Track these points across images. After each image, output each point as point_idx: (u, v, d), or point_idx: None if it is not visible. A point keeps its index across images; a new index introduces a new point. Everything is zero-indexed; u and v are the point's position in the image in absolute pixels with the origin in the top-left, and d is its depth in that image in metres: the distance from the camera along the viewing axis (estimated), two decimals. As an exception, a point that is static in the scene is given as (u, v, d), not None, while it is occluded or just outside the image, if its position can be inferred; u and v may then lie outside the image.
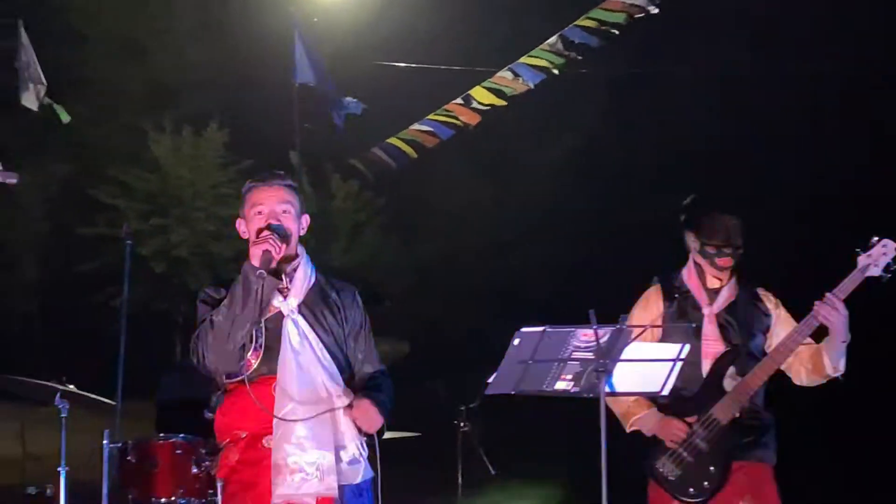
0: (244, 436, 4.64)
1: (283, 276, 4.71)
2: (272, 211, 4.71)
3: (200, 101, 25.16)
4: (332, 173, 23.44)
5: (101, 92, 25.17)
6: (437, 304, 22.28)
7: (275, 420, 4.56)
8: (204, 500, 6.09)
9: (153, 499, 6.10)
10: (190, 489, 6.11)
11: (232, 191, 24.79)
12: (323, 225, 22.75)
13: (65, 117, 15.43)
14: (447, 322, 22.03)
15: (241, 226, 4.84)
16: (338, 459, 4.60)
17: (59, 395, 6.25)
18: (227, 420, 4.71)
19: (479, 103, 12.68)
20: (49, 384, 6.32)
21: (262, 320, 4.61)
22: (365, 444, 4.73)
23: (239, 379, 4.65)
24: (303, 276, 4.79)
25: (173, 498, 6.07)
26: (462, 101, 12.79)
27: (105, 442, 6.07)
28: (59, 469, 6.23)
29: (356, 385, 4.81)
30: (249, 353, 4.62)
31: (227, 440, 4.70)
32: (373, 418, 4.69)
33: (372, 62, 19.97)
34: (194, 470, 6.11)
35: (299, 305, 4.73)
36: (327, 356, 4.70)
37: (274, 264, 4.57)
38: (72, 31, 25.19)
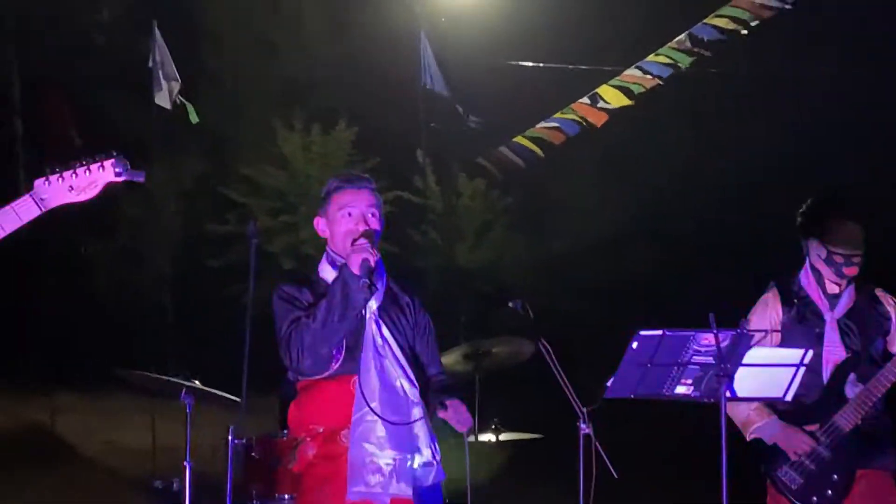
0: (321, 430, 4.73)
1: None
2: (362, 214, 4.77)
3: (329, 100, 25.36)
4: (459, 172, 23.46)
5: (232, 90, 25.53)
6: (564, 302, 22.13)
7: (354, 418, 4.63)
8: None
9: (276, 495, 6.13)
10: (313, 485, 6.15)
11: (361, 188, 24.98)
12: (449, 224, 22.82)
13: (194, 117, 15.72)
14: (574, 322, 21.88)
15: (320, 224, 4.94)
16: (413, 461, 4.66)
17: (184, 390, 6.34)
18: (303, 415, 4.81)
19: (606, 102, 12.61)
20: (175, 380, 6.41)
21: None
22: (437, 447, 4.77)
23: (319, 377, 4.76)
24: (382, 280, 4.89)
25: (295, 494, 6.12)
26: (589, 101, 12.73)
27: (230, 438, 6.13)
28: (184, 464, 6.30)
29: (425, 385, 4.86)
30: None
31: (303, 435, 4.79)
32: (466, 417, 4.77)
33: (499, 61, 19.96)
34: (317, 466, 6.15)
35: (378, 308, 4.81)
36: (403, 358, 4.76)
37: (372, 272, 4.64)
38: (204, 31, 25.59)
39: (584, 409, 6.38)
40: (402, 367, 4.72)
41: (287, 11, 26.05)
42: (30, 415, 17.73)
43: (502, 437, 7.63)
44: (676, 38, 12.28)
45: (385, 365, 4.68)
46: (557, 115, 13.12)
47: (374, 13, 23.63)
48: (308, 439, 4.79)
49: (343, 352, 4.71)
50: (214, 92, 24.29)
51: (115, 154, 3.23)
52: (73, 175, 3.17)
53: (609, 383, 4.62)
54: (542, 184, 23.38)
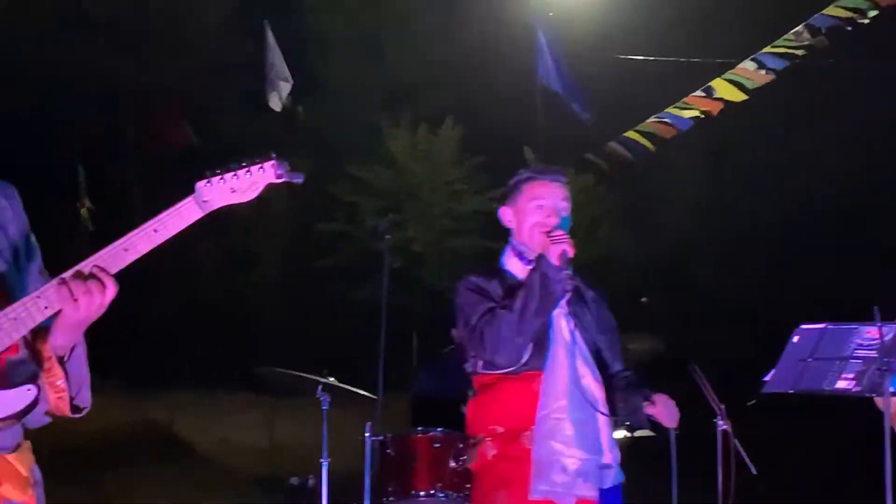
0: (501, 431, 4.63)
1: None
2: (555, 206, 4.68)
3: (436, 99, 25.44)
4: (567, 168, 23.36)
5: (340, 91, 25.70)
6: (681, 299, 22.00)
7: (540, 415, 4.52)
8: (461, 495, 6.09)
9: (412, 492, 6.11)
10: (447, 483, 6.09)
11: (466, 187, 25.00)
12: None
13: (300, 117, 15.85)
14: (690, 320, 21.69)
15: (506, 214, 4.84)
16: (598, 462, 4.55)
17: (320, 387, 6.35)
18: (483, 414, 4.70)
19: (720, 95, 12.43)
20: (312, 377, 6.43)
21: None
22: (618, 448, 4.67)
23: (502, 372, 4.63)
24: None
25: (431, 491, 6.08)
26: (703, 94, 12.56)
27: (367, 435, 6.14)
28: (320, 461, 6.32)
29: (608, 383, 4.73)
30: None
31: (483, 435, 4.69)
32: (675, 412, 4.66)
33: (608, 55, 19.83)
34: (452, 464, 6.09)
35: (566, 302, 4.66)
36: (590, 357, 4.66)
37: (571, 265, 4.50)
38: (311, 33, 25.80)
39: (722, 406, 6.29)
40: (587, 365, 4.63)
41: (394, 11, 26.16)
42: (149, 412, 18.00)
43: (637, 433, 7.56)
44: (793, 30, 12.04)
45: (573, 362, 4.59)
46: (669, 109, 12.94)
47: (485, 11, 23.63)
48: (488, 439, 4.70)
49: (530, 347, 4.61)
50: (322, 92, 24.47)
51: (274, 156, 3.15)
52: (235, 177, 3.12)
53: (768, 378, 4.53)
54: (651, 180, 23.22)
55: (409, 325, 24.16)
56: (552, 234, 4.57)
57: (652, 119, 13.05)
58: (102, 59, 24.29)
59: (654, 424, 4.75)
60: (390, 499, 6.17)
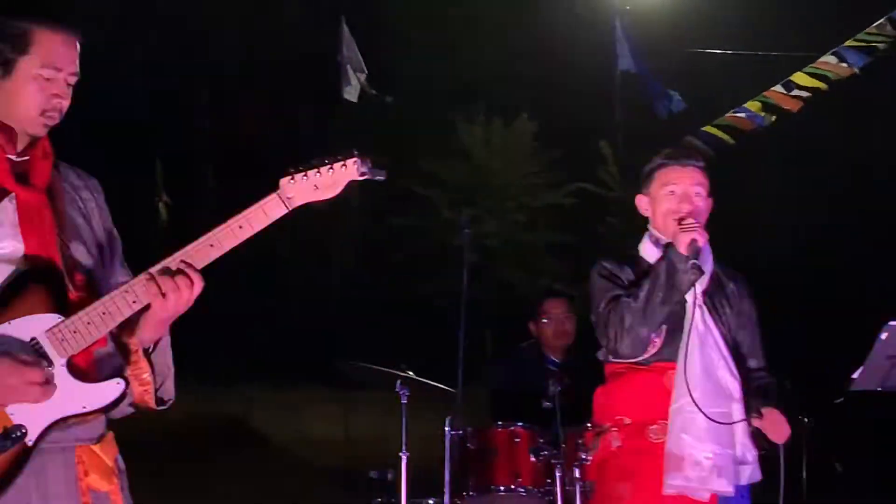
0: (628, 422, 4.54)
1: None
2: (686, 192, 4.59)
3: (511, 93, 25.39)
4: (643, 162, 23.21)
5: (415, 85, 25.71)
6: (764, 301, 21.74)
7: (673, 407, 4.42)
8: (540, 490, 6.08)
9: (491, 486, 6.12)
10: (527, 477, 6.10)
11: (541, 181, 24.94)
12: (634, 215, 22.59)
13: (389, 100, 15.87)
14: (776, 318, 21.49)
15: (642, 202, 4.73)
16: (734, 457, 4.45)
17: (399, 381, 6.35)
18: (611, 403, 4.62)
19: (801, 89, 12.26)
20: (392, 370, 6.43)
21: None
22: (755, 445, 4.53)
23: (631, 362, 4.56)
24: (708, 263, 4.63)
25: (512, 486, 6.09)
26: (782, 88, 12.40)
27: (447, 428, 6.13)
28: (400, 454, 6.31)
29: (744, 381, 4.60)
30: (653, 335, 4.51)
31: (609, 424, 4.61)
32: (784, 430, 4.51)
33: (684, 49, 19.69)
34: (532, 458, 6.09)
35: (703, 293, 4.57)
36: (725, 348, 4.53)
37: (700, 253, 4.41)
38: (385, 28, 25.84)
39: (808, 403, 6.23)
40: (723, 358, 4.50)
41: (468, 5, 26.14)
42: (225, 406, 18.12)
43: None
44: (875, 24, 11.86)
45: (707, 354, 4.47)
46: (748, 104, 12.80)
47: (561, 4, 23.56)
48: (614, 429, 4.61)
49: (663, 337, 4.52)
50: (396, 87, 24.50)
51: (356, 153, 3.19)
52: (318, 174, 3.16)
53: (855, 375, 4.44)
54: (729, 175, 22.99)
55: (482, 319, 24.16)
56: (683, 223, 4.46)
57: (730, 114, 12.92)
58: (178, 55, 24.51)
59: (761, 436, 4.56)
60: (470, 493, 6.17)
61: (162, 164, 20.34)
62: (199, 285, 3.14)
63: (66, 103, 3.25)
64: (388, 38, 25.70)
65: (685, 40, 20.18)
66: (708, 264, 4.61)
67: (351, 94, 15.34)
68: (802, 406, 6.32)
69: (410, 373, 6.46)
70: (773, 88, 12.51)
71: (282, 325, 21.83)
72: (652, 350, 4.52)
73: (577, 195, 24.26)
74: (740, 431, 4.48)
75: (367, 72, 15.11)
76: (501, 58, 26.04)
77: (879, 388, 4.43)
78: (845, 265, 22.64)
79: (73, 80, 3.25)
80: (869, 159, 22.62)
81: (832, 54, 12.04)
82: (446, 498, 6.05)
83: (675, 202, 4.58)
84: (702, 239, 4.40)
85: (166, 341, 3.35)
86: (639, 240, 4.79)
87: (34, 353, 3.07)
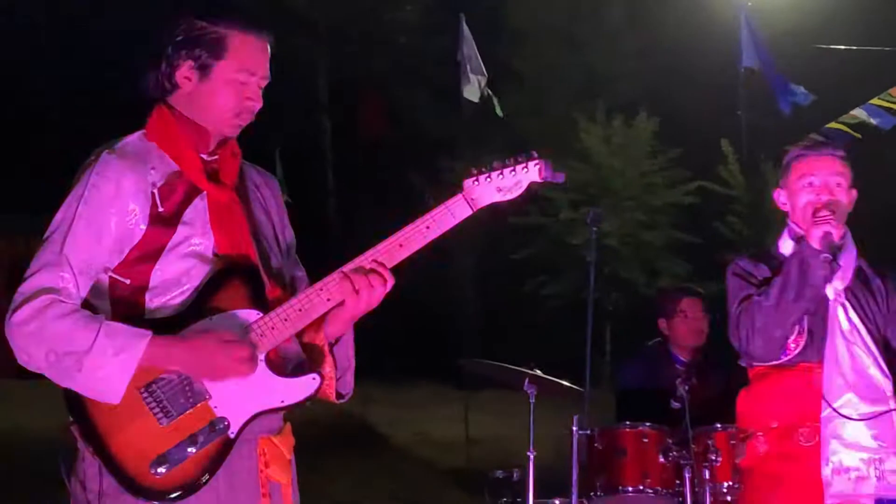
0: (775, 426, 4.37)
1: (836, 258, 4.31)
2: (825, 183, 4.40)
3: (630, 91, 25.25)
4: (765, 160, 22.90)
5: (534, 85, 25.69)
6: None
7: (824, 414, 4.24)
8: (670, 491, 6.00)
9: (619, 487, 6.04)
10: (656, 478, 6.02)
11: (661, 179, 24.74)
12: (756, 215, 22.29)
13: (499, 111, 15.82)
14: None
15: (780, 196, 4.57)
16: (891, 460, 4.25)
17: (527, 380, 6.31)
18: (756, 407, 4.44)
19: (931, 88, 11.96)
20: (520, 368, 6.39)
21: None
22: None
23: (774, 364, 4.38)
24: (849, 257, 4.45)
25: (640, 487, 6.01)
26: (910, 86, 12.10)
27: (574, 428, 6.07)
28: (527, 453, 6.27)
29: None
30: (792, 338, 4.34)
31: (755, 429, 4.44)
32: None
33: (807, 45, 19.38)
34: (661, 459, 6.01)
35: (845, 289, 4.41)
36: (874, 345, 4.33)
37: (835, 247, 4.24)
38: (505, 27, 25.85)
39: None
40: (872, 356, 4.30)
41: (588, 3, 26.04)
42: (344, 404, 18.20)
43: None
44: None
45: (855, 352, 4.29)
46: (873, 101, 12.50)
47: (681, 2, 23.35)
48: (760, 434, 4.44)
49: (804, 336, 4.35)
50: (517, 87, 24.49)
51: (537, 155, 3.27)
52: (500, 176, 3.24)
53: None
54: (855, 173, 22.59)
55: (603, 318, 24.05)
56: (817, 215, 4.29)
57: (854, 112, 12.65)
58: (301, 53, 24.73)
59: None
60: (598, 493, 6.11)
61: (282, 162, 20.45)
62: (390, 283, 3.25)
63: (258, 105, 3.34)
64: (511, 36, 25.70)
65: (808, 36, 19.87)
66: (849, 259, 4.44)
67: (472, 93, 15.29)
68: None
69: (538, 371, 6.42)
70: (897, 87, 12.23)
71: (402, 322, 21.91)
72: (794, 351, 4.35)
73: (697, 193, 24.02)
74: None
75: (486, 74, 15.05)
76: (624, 54, 25.87)
77: None
78: None
79: (264, 82, 3.35)
80: None
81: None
82: (574, 498, 5.99)
83: (813, 194, 4.41)
84: (837, 232, 4.23)
85: (349, 336, 3.46)
86: (763, 238, 4.65)
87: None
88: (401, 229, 3.26)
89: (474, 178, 3.25)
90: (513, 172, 3.23)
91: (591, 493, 6.11)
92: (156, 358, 3.09)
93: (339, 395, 3.46)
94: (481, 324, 24.36)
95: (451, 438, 16.39)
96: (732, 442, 5.42)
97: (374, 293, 3.22)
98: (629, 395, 7.27)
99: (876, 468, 4.22)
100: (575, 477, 6.02)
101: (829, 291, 4.36)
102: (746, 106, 18.04)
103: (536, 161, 3.25)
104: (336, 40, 26.01)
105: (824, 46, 19.52)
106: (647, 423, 6.12)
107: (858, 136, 12.80)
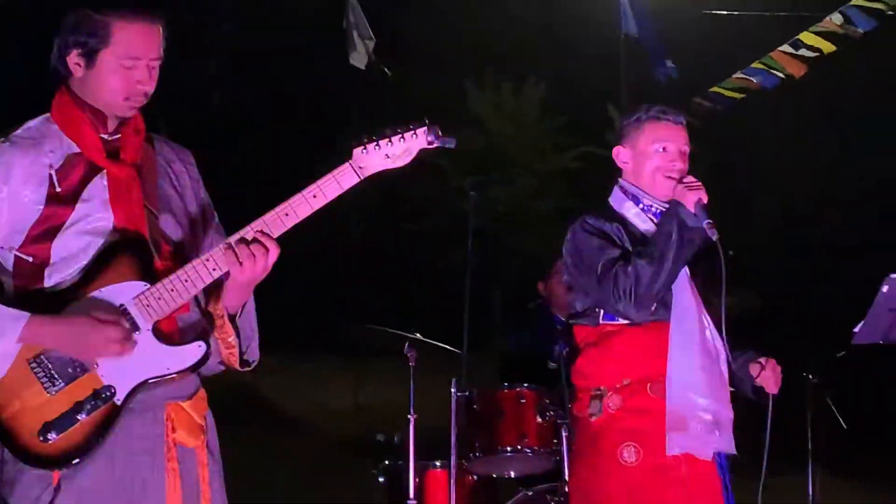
0: (627, 382, 4.41)
1: None
2: (678, 150, 4.44)
3: (521, 59, 25.34)
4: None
5: (425, 52, 25.65)
6: (769, 260, 21.76)
7: (671, 366, 4.32)
8: (547, 450, 6.09)
9: (498, 447, 6.13)
10: (533, 438, 6.12)
11: (550, 146, 24.90)
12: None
13: (389, 74, 15.76)
14: (783, 279, 21.49)
15: (623, 154, 4.55)
16: (728, 416, 4.38)
17: (407, 343, 6.36)
18: (606, 365, 4.45)
19: (808, 48, 12.16)
20: (399, 332, 6.44)
21: None
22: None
23: (626, 322, 4.42)
24: None
25: (518, 447, 6.09)
26: (789, 48, 12.30)
27: (452, 390, 6.14)
28: (408, 416, 6.33)
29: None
30: None
31: (605, 386, 4.46)
32: (779, 380, 4.49)
33: (695, 11, 19.57)
34: (538, 419, 6.11)
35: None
36: (711, 310, 4.44)
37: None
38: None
39: (812, 360, 6.22)
40: (713, 319, 4.41)
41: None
42: (233, 376, 18.13)
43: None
44: (883, -13, 11.73)
45: (700, 311, 4.38)
46: (755, 64, 12.69)
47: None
48: (612, 391, 4.44)
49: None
50: (408, 54, 24.44)
51: (427, 122, 3.32)
52: (389, 143, 3.29)
53: (857, 329, 4.42)
54: (738, 138, 22.97)
55: (494, 285, 24.20)
56: (685, 181, 4.35)
57: (737, 75, 12.82)
58: (196, 31, 24.46)
59: (756, 390, 4.53)
60: (477, 454, 6.19)
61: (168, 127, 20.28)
62: (274, 252, 3.29)
63: (149, 87, 3.40)
64: (400, 3, 25.61)
65: (693, 1, 20.08)
66: None
67: (358, 60, 15.18)
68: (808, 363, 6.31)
69: (418, 335, 6.48)
70: (779, 48, 12.42)
71: (293, 292, 21.85)
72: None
73: (584, 159, 24.20)
74: (727, 391, 4.42)
75: (374, 39, 14.92)
76: (515, 22, 25.94)
77: (881, 342, 4.41)
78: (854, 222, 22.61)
79: (155, 63, 3.41)
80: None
81: (839, 13, 11.95)
82: (452, 459, 6.07)
83: (667, 160, 4.44)
84: (705, 197, 4.31)
85: (251, 306, 3.52)
86: None
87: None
88: (287, 199, 3.31)
89: (363, 147, 3.29)
90: (401, 139, 3.28)
91: (471, 454, 6.18)
92: (34, 338, 3.22)
93: (245, 363, 3.55)
94: (376, 292, 24.37)
95: (343, 407, 16.44)
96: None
97: (258, 263, 3.26)
98: (511, 358, 7.37)
99: (717, 422, 4.32)
100: (453, 438, 6.09)
101: None
102: (631, 72, 18.22)
103: (424, 128, 3.30)
104: (231, 13, 25.79)
105: (710, 12, 19.76)
106: (525, 385, 6.21)
107: (741, 96, 13.01)
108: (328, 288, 22.86)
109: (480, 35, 25.97)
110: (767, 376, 4.47)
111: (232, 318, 3.44)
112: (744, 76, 12.73)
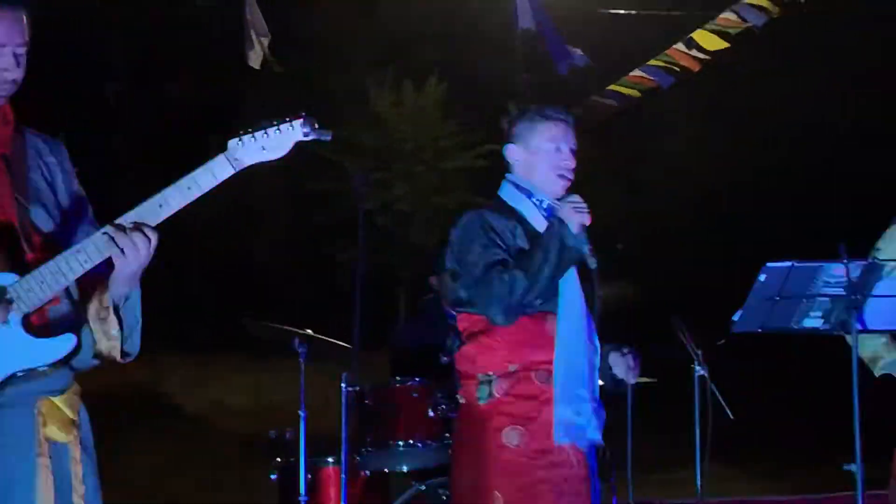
0: (513, 369, 4.48)
1: None
2: (571, 151, 4.57)
3: (422, 56, 25.35)
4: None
5: (327, 49, 25.54)
6: (659, 252, 22.01)
7: (557, 358, 4.42)
8: (439, 444, 6.11)
9: (390, 442, 6.15)
10: (425, 432, 6.14)
11: (451, 144, 24.94)
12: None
13: (276, 68, 15.64)
14: (673, 270, 21.76)
15: (515, 153, 4.65)
16: (599, 410, 4.50)
17: (297, 339, 6.35)
18: (492, 352, 4.52)
19: (701, 47, 12.33)
20: (289, 328, 6.43)
21: None
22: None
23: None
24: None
25: (410, 441, 6.11)
26: (684, 46, 12.46)
27: (343, 385, 6.14)
28: (299, 412, 6.32)
29: None
30: None
31: (492, 372, 4.52)
32: (638, 370, 4.60)
33: (591, 8, 19.73)
34: (430, 413, 6.13)
35: None
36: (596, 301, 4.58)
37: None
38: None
39: (699, 352, 6.29)
40: (589, 311, 4.53)
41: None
42: (135, 375, 17.99)
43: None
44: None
45: (583, 304, 4.49)
46: (651, 62, 12.83)
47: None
48: (498, 378, 4.51)
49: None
50: (310, 50, 24.35)
51: (303, 114, 3.31)
52: (265, 135, 3.28)
53: (736, 317, 4.49)
54: (636, 135, 23.20)
55: (395, 282, 24.21)
56: (571, 201, 4.43)
57: (634, 73, 12.95)
58: (89, 22, 24.18)
59: (616, 381, 4.65)
60: (368, 449, 6.19)
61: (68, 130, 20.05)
62: (154, 239, 3.26)
63: (16, 75, 3.40)
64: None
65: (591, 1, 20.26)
66: None
67: (254, 60, 15.04)
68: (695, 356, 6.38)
69: (309, 331, 6.46)
70: (674, 46, 12.56)
71: (195, 291, 21.73)
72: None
73: (489, 157, 24.25)
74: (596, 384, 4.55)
75: (269, 35, 14.80)
76: (418, 19, 25.89)
77: (760, 330, 4.48)
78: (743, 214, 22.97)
79: (21, 50, 3.39)
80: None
81: (731, 11, 12.12)
82: (343, 455, 6.07)
83: (562, 159, 4.55)
84: (588, 220, 4.40)
85: (136, 295, 3.45)
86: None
87: None
88: (163, 189, 3.29)
89: (238, 139, 3.28)
90: (277, 131, 3.27)
91: (363, 450, 6.19)
92: None
93: (125, 354, 3.48)
94: (279, 290, 24.24)
95: (245, 405, 16.39)
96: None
97: (139, 251, 3.24)
98: (403, 353, 7.38)
99: (594, 413, 4.45)
100: (344, 434, 6.09)
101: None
102: (531, 67, 18.30)
103: (301, 119, 3.29)
104: (127, 14, 25.45)
105: (607, 11, 19.91)
106: (417, 379, 6.23)
107: (638, 94, 13.14)
108: (233, 286, 22.70)
109: (382, 32, 25.93)
110: (625, 367, 4.57)
111: (116, 310, 3.39)
112: (640, 74, 12.87)
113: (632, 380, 4.59)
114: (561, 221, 4.40)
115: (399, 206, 24.18)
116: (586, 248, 4.38)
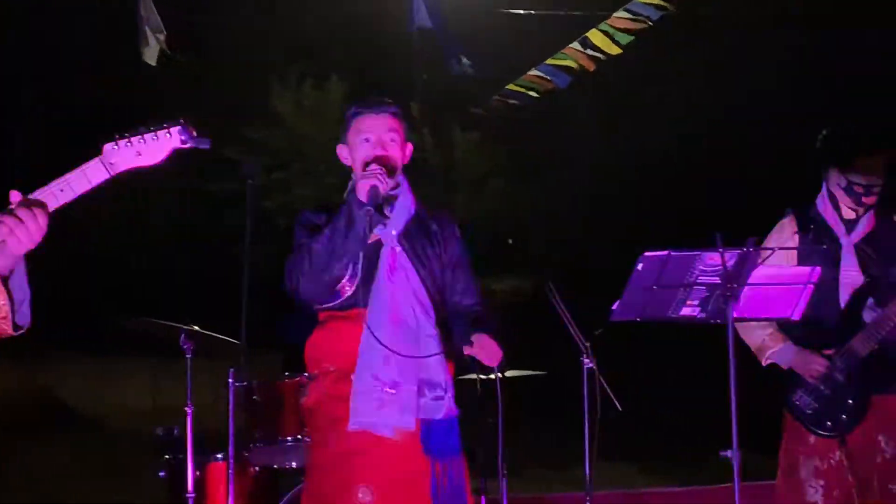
0: (332, 370, 4.60)
1: (385, 209, 4.62)
2: (379, 139, 4.66)
3: (323, 55, 25.26)
4: (453, 124, 23.32)
5: (231, 46, 25.36)
6: (569, 247, 22.08)
7: (361, 348, 4.51)
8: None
9: (279, 438, 6.13)
10: (314, 427, 6.11)
11: (354, 143, 24.93)
12: (445, 177, 22.73)
13: (175, 61, 15.51)
14: (574, 267, 21.85)
15: (342, 152, 4.81)
16: (421, 394, 4.53)
17: (183, 335, 6.31)
18: (317, 352, 4.70)
19: (596, 48, 12.46)
20: (174, 324, 6.39)
21: (361, 252, 4.54)
22: (451, 381, 4.65)
23: (331, 306, 4.63)
24: (403, 207, 4.72)
25: (299, 436, 6.10)
26: (579, 46, 12.58)
27: (230, 380, 6.11)
28: (185, 409, 6.29)
29: (455, 317, 4.72)
30: (345, 280, 4.58)
31: (316, 372, 4.70)
32: (494, 352, 4.59)
33: (491, 9, 19.81)
34: (320, 408, 6.10)
35: (398, 236, 4.66)
36: (422, 290, 4.63)
37: (381, 200, 4.50)
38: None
39: (587, 344, 6.35)
40: (417, 299, 4.60)
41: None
42: (33, 379, 17.75)
43: (507, 373, 7.59)
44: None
45: (398, 295, 4.56)
46: (548, 61, 12.95)
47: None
48: (321, 376, 4.69)
49: (357, 281, 4.59)
50: (212, 48, 24.17)
51: (181, 122, 3.31)
52: (142, 141, 3.28)
53: (615, 306, 4.55)
54: (539, 134, 23.27)
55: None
56: (366, 169, 4.56)
57: (532, 72, 13.04)
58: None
59: (478, 364, 4.70)
60: (257, 444, 6.17)
61: None
62: (42, 216, 3.21)
63: None
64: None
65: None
66: (402, 208, 4.72)
67: (151, 56, 14.88)
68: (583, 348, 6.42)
69: (196, 327, 6.43)
70: (570, 45, 12.67)
71: (90, 291, 21.45)
72: (346, 294, 4.60)
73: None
74: (435, 367, 4.58)
75: (164, 31, 14.63)
76: (321, 18, 25.81)
77: (639, 318, 4.53)
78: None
79: None
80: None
81: (624, 10, 12.25)
82: (230, 450, 6.04)
83: (370, 150, 4.66)
84: (383, 185, 4.49)
85: (22, 268, 3.40)
86: (453, 201, 4.87)
87: None
88: (35, 191, 3.25)
89: (114, 143, 3.26)
90: (154, 137, 3.27)
91: (251, 445, 6.17)
92: None
93: (17, 327, 3.45)
94: (177, 291, 24.04)
95: (141, 405, 16.22)
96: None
97: (28, 231, 3.19)
98: (293, 349, 7.34)
99: (400, 401, 4.52)
100: (231, 429, 6.06)
101: (384, 237, 4.65)
102: (429, 68, 18.34)
103: (179, 127, 3.28)
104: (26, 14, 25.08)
105: (505, 11, 20.01)
106: (306, 374, 6.20)
107: (537, 95, 13.23)
108: (125, 287, 22.43)
109: (283, 31, 25.80)
110: (477, 352, 4.60)
111: (5, 281, 3.36)
112: (537, 74, 12.96)
113: (492, 363, 4.61)
114: (351, 191, 4.59)
115: (300, 207, 24.10)
116: (363, 211, 4.43)
